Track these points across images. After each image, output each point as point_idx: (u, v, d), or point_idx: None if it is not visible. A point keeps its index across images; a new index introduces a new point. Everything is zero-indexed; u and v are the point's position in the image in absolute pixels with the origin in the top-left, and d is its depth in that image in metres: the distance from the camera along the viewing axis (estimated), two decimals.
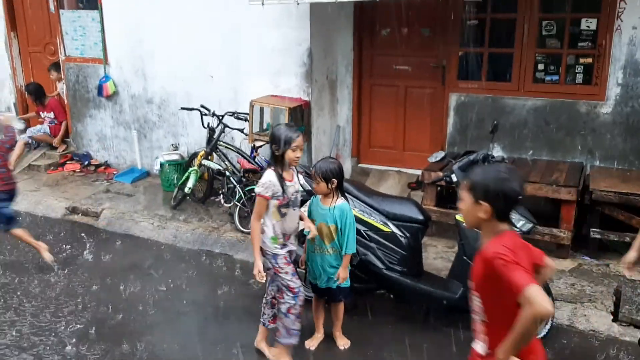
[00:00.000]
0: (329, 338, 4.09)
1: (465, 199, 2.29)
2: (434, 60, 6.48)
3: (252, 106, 6.21)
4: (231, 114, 6.34)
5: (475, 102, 6.29)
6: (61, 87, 8.18)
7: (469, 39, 6.26)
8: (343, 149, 7.03)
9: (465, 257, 4.00)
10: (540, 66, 6.07)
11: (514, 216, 3.90)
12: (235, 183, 6.14)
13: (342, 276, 3.78)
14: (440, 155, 5.72)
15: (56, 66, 8.09)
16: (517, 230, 3.88)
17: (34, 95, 8.06)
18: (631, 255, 3.25)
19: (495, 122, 4.46)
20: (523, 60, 6.05)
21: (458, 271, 4.10)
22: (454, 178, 4.12)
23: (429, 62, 6.50)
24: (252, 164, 6.31)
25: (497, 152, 6.12)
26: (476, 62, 6.27)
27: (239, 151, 6.43)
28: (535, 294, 1.99)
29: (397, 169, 6.82)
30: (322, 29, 6.31)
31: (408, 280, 4.18)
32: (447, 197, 5.48)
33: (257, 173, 6.25)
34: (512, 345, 2.10)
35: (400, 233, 4.21)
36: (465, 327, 4.12)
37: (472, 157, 4.20)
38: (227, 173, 6.27)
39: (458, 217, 4.07)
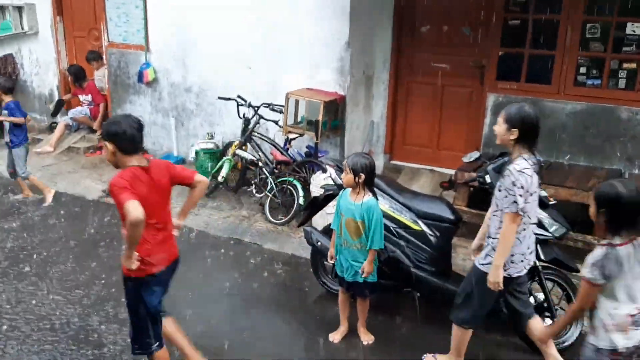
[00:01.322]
0: (353, 332, 4.11)
1: None
2: (473, 59, 6.40)
3: (287, 98, 6.25)
4: (267, 105, 6.40)
5: (513, 103, 6.19)
6: (101, 73, 8.34)
7: (510, 39, 6.17)
8: (376, 145, 7.02)
9: None
10: (582, 69, 5.95)
11: (547, 220, 3.85)
12: (267, 174, 6.20)
13: (367, 270, 3.79)
14: (475, 155, 5.66)
15: (95, 54, 8.27)
16: (550, 235, 3.83)
17: (74, 77, 8.26)
18: (475, 243, 3.74)
19: None
20: (564, 63, 5.94)
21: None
22: (488, 179, 4.07)
23: (468, 61, 6.43)
24: (284, 155, 6.37)
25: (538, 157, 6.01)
26: (516, 63, 6.18)
27: (272, 143, 6.49)
28: (130, 207, 2.75)
29: (430, 167, 6.78)
30: (361, 24, 6.31)
31: (436, 279, 4.17)
32: (479, 198, 5.43)
33: (289, 165, 6.31)
34: (128, 248, 2.94)
35: (430, 232, 4.19)
36: (491, 329, 4.10)
37: (507, 159, 4.14)
38: (260, 164, 6.34)
39: None
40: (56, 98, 8.82)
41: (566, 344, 3.93)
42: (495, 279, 3.25)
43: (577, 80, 5.97)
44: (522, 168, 3.14)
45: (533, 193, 3.21)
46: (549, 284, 3.95)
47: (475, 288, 3.44)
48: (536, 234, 3.81)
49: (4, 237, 5.64)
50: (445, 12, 6.44)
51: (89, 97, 8.32)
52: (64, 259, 5.22)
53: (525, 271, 3.41)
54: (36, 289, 4.70)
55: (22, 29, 8.68)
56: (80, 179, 7.14)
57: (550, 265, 3.95)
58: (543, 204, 3.91)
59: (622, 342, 2.60)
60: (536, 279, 3.91)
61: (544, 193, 3.95)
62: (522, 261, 3.35)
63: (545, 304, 3.96)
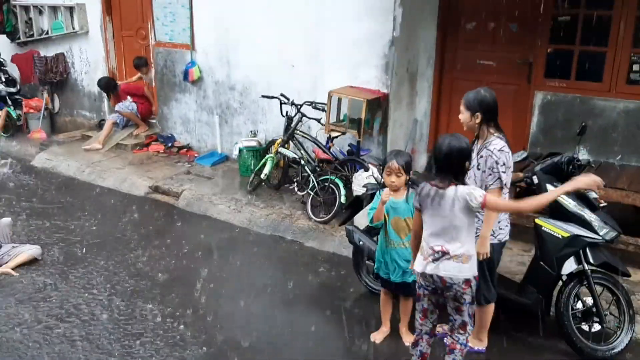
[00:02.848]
0: (394, 333, 4.08)
1: None
2: (520, 56, 6.26)
3: (330, 96, 6.25)
4: (309, 103, 6.42)
5: (562, 102, 6.04)
6: (149, 78, 8.54)
7: (559, 36, 6.00)
8: (419, 143, 6.95)
9: (542, 263, 3.87)
10: (636, 67, 5.73)
11: (597, 223, 3.74)
12: (309, 172, 6.22)
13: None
14: (521, 155, 5.49)
15: (143, 61, 8.46)
16: (600, 238, 3.71)
17: (104, 89, 8.48)
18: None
19: (583, 123, 4.25)
20: (617, 60, 5.74)
21: (533, 276, 3.98)
22: (535, 180, 3.99)
23: (515, 58, 6.29)
24: (326, 154, 6.37)
25: (583, 155, 5.83)
26: (565, 60, 6.01)
27: (314, 141, 6.51)
28: None
29: None
30: (406, 21, 6.24)
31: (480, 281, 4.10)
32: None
33: (331, 163, 6.31)
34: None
35: None
36: (536, 334, 4.01)
37: (556, 159, 4.04)
38: (302, 162, 6.36)
39: (537, 220, 3.94)
40: (105, 97, 9.05)
41: (616, 350, 3.81)
42: (485, 249, 3.45)
43: (630, 78, 5.75)
44: (501, 147, 3.45)
45: (511, 166, 3.51)
46: (598, 289, 3.83)
47: (487, 265, 3.59)
48: (585, 237, 3.72)
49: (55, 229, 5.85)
50: (491, 9, 6.31)
51: (129, 100, 8.48)
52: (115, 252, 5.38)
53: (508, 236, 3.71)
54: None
55: (73, 28, 8.95)
56: (127, 175, 7.32)
57: (599, 270, 3.84)
58: (593, 206, 3.81)
59: None
60: (585, 283, 3.81)
61: (594, 195, 3.84)
62: (506, 226, 3.68)
63: (594, 309, 3.85)
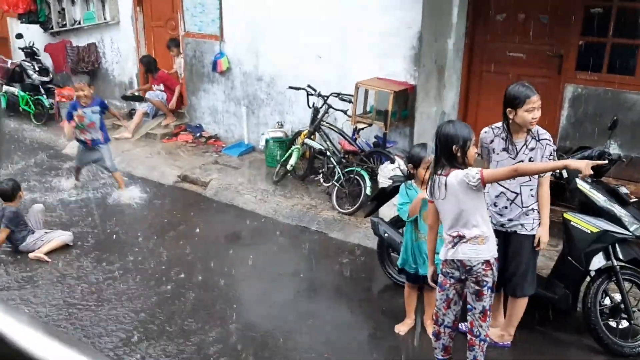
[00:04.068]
0: (419, 325, 4.09)
1: None
2: (550, 48, 6.15)
3: (357, 88, 6.25)
4: (336, 95, 6.42)
5: (593, 95, 5.93)
6: (179, 62, 8.64)
7: (591, 28, 5.89)
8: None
9: (570, 258, 3.84)
10: None
11: (627, 219, 3.68)
12: (335, 163, 6.24)
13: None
14: None
15: (175, 42, 8.56)
16: (630, 234, 3.66)
17: (146, 67, 8.60)
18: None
19: (615, 117, 4.18)
20: None
21: (561, 271, 3.95)
22: (565, 174, 3.95)
23: (545, 50, 6.19)
24: (352, 145, 6.38)
25: (614, 149, 5.74)
26: (597, 53, 5.90)
27: (341, 132, 6.52)
28: None
29: None
30: (434, 13, 6.19)
31: None
32: (555, 193, 5.24)
33: (357, 155, 6.31)
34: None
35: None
36: (562, 329, 3.98)
37: (586, 153, 3.99)
38: (328, 153, 6.38)
39: (566, 215, 3.90)
40: (135, 86, 9.20)
41: None
42: (546, 237, 3.58)
43: None
44: (550, 136, 3.53)
45: None
46: (626, 285, 3.78)
47: (530, 256, 3.64)
48: (615, 232, 3.67)
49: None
50: (521, 0, 6.22)
51: (161, 87, 8.62)
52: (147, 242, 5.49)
53: None
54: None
55: (105, 19, 9.10)
56: (156, 164, 7.44)
57: (629, 266, 3.79)
58: (623, 201, 3.76)
59: None
60: (613, 279, 3.76)
61: (624, 190, 3.79)
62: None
63: (622, 306, 3.80)
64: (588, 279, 3.87)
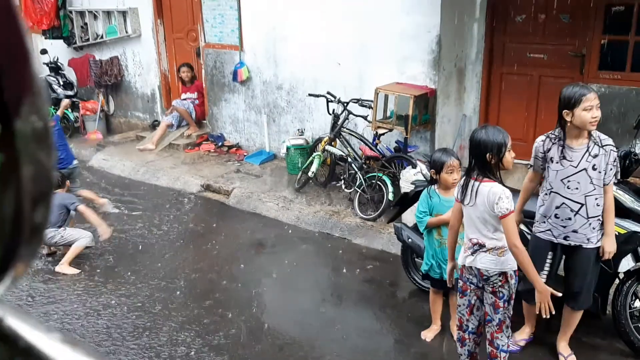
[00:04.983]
0: (445, 330, 4.07)
1: None
2: (572, 48, 6.10)
3: (377, 93, 6.25)
4: (355, 100, 6.43)
5: (617, 94, 5.85)
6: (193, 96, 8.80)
7: (613, 26, 5.81)
8: (468, 140, 6.86)
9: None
10: None
11: None
12: (356, 169, 6.24)
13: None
14: None
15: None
16: None
17: (191, 73, 8.67)
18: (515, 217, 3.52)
19: (639, 116, 4.12)
20: None
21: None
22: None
23: (567, 50, 6.13)
24: (373, 151, 6.37)
25: (639, 149, 5.65)
26: (620, 52, 5.82)
27: (361, 138, 6.52)
28: None
29: (525, 162, 6.50)
30: (453, 15, 6.18)
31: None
32: None
33: (378, 160, 6.31)
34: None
35: (526, 230, 4.06)
36: (591, 333, 3.92)
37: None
38: (349, 159, 6.39)
39: None
40: (158, 98, 9.33)
41: None
42: (611, 247, 3.43)
43: None
44: (612, 141, 3.36)
45: None
46: None
47: (594, 268, 3.52)
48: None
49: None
50: (541, 0, 6.17)
51: (194, 95, 8.73)
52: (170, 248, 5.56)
53: None
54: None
55: (126, 32, 9.25)
56: (180, 174, 7.53)
57: None
58: None
59: None
60: None
61: None
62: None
63: None
64: (617, 281, 3.81)
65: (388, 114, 6.43)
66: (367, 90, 6.47)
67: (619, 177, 3.42)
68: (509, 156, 3.03)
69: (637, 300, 3.81)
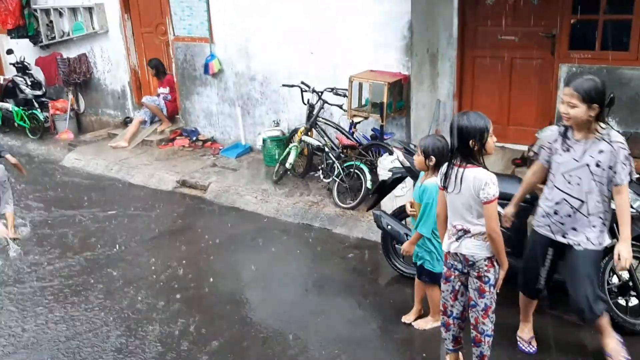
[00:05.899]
0: (426, 315, 4.07)
1: None
2: (543, 29, 6.13)
3: (351, 82, 6.22)
4: (330, 90, 6.40)
5: (588, 73, 5.87)
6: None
7: (583, 6, 5.86)
8: (443, 124, 6.88)
9: None
10: None
11: (630, 195, 3.65)
12: (334, 159, 6.21)
13: (405, 248, 3.85)
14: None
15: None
16: (634, 210, 3.63)
17: (155, 70, 8.54)
18: (509, 210, 3.69)
19: (611, 94, 4.13)
20: None
21: None
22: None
23: (538, 31, 6.16)
24: (350, 139, 6.36)
25: (612, 126, 5.72)
26: (589, 31, 5.87)
27: (337, 127, 6.49)
28: None
29: (500, 144, 6.56)
30: (424, 1, 6.16)
31: (510, 260, 4.05)
32: None
33: (355, 149, 6.29)
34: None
35: (500, 209, 4.07)
36: (569, 309, 3.96)
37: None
38: (326, 149, 6.36)
39: None
40: (128, 94, 9.17)
41: None
42: (627, 254, 3.17)
43: None
44: (623, 139, 3.15)
45: None
46: (633, 262, 3.75)
47: (597, 271, 3.41)
48: None
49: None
50: None
51: (166, 90, 8.59)
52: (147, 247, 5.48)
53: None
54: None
55: (93, 28, 9.05)
56: (154, 171, 7.41)
57: (633, 242, 3.75)
58: None
59: None
60: None
61: None
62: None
63: (630, 283, 3.79)
64: None
65: (363, 102, 6.41)
66: (342, 78, 6.43)
67: (634, 176, 3.17)
68: (491, 141, 3.02)
69: (615, 276, 3.86)
